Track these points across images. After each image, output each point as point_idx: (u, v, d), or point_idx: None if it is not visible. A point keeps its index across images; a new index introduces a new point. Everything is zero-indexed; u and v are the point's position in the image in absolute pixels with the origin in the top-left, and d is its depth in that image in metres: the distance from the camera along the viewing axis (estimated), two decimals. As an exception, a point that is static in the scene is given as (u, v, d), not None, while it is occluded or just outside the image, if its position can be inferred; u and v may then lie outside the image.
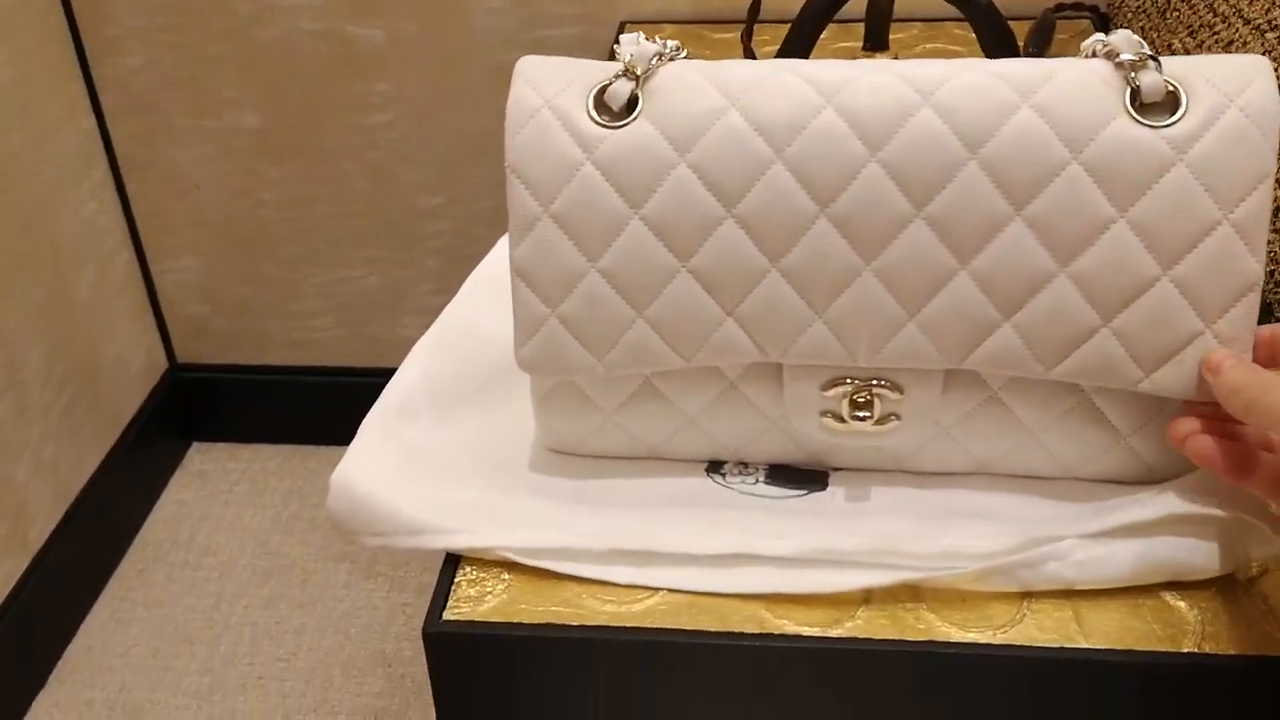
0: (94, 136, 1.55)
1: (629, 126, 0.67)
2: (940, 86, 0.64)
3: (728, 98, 0.66)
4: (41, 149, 1.44)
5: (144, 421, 1.68)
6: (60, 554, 1.48)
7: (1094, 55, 0.65)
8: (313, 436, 1.79)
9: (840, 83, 0.65)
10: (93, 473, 1.58)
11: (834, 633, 0.66)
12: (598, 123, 0.67)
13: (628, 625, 0.67)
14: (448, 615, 0.68)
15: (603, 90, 0.67)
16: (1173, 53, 1.07)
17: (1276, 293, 0.83)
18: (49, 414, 1.47)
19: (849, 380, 0.70)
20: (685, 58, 0.69)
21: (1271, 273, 0.83)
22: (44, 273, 1.45)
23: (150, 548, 1.63)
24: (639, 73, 0.67)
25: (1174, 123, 0.63)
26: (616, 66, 0.67)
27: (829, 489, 0.74)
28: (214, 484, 1.73)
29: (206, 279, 1.68)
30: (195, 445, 1.80)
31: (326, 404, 1.74)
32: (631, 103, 0.67)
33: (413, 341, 0.85)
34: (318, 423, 1.76)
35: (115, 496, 1.61)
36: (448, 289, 1.62)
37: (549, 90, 0.68)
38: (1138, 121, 0.63)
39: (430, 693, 0.71)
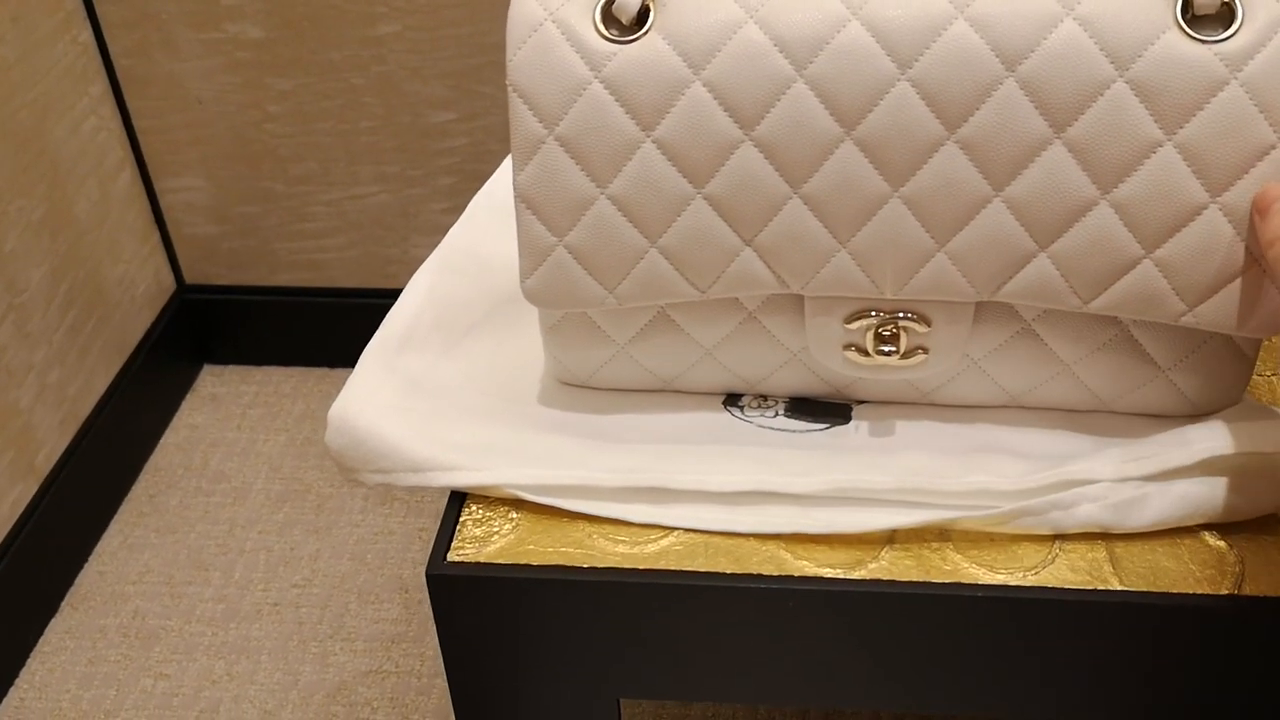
0: (91, 50, 1.51)
1: (639, 41, 0.63)
2: (975, -3, 0.60)
3: (745, 9, 0.62)
4: (35, 62, 1.40)
5: (153, 344, 1.65)
6: (69, 479, 1.46)
7: (1142, -39, 0.61)
8: (328, 358, 1.76)
9: (867, -7, 0.61)
10: (101, 396, 1.55)
11: (856, 574, 0.63)
12: (606, 37, 0.63)
13: (641, 568, 0.64)
14: (452, 557, 0.66)
15: (611, 2, 0.63)
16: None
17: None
18: (52, 337, 1.44)
19: (874, 313, 0.66)
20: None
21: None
22: (42, 191, 1.42)
23: (162, 473, 1.61)
24: (650, -17, 0.63)
25: (1228, 37, 0.59)
26: (626, -24, 0.63)
27: (852, 422, 0.72)
28: (227, 408, 1.71)
29: (213, 198, 1.65)
30: (207, 367, 1.78)
31: (341, 325, 1.71)
32: (642, 15, 0.63)
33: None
34: (334, 344, 1.73)
35: (125, 421, 1.59)
36: (461, 207, 1.59)
37: (553, 2, 0.64)
38: (1189, 36, 0.59)
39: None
